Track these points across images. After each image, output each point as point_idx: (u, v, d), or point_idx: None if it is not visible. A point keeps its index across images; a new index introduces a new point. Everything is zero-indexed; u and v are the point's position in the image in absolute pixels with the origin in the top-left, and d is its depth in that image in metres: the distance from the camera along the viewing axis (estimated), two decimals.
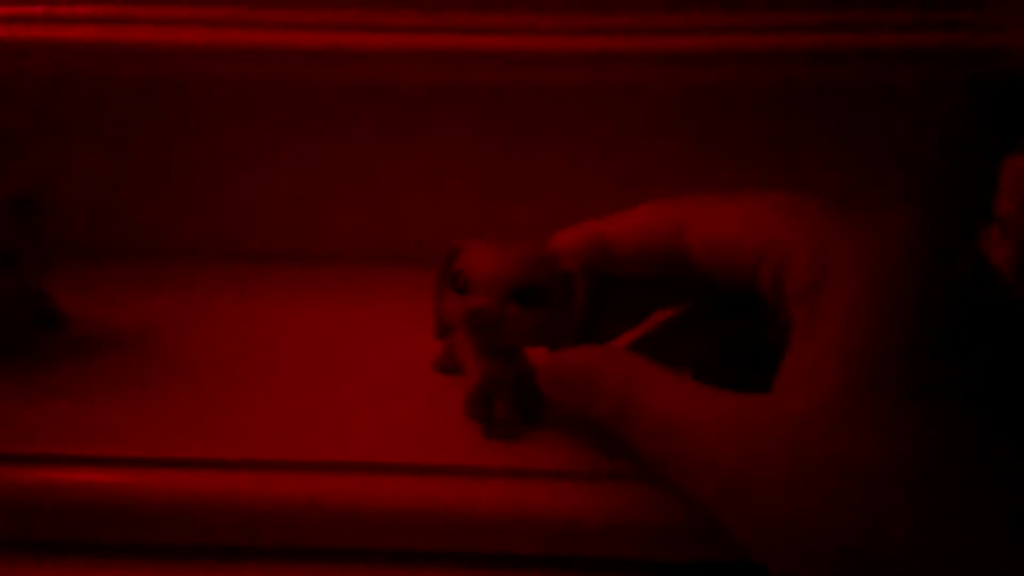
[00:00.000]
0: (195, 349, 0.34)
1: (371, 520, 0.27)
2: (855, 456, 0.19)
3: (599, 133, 0.38)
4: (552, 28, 0.36)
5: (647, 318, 0.29)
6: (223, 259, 0.41)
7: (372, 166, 0.39)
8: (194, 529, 0.27)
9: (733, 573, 0.26)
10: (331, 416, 0.30)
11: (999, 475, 0.18)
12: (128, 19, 0.35)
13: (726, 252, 0.24)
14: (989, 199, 0.35)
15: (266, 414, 0.30)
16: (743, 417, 0.20)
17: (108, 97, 0.37)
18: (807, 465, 0.19)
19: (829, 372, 0.20)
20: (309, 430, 0.29)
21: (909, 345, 0.19)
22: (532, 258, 0.26)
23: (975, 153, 0.36)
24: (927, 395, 0.19)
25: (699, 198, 0.25)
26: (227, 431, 0.29)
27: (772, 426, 0.20)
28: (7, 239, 0.30)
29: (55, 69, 0.36)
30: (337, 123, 0.38)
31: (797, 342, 0.21)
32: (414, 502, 0.27)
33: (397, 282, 0.36)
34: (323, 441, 0.28)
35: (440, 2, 0.36)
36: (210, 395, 0.31)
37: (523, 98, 0.37)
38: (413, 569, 0.27)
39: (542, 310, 0.26)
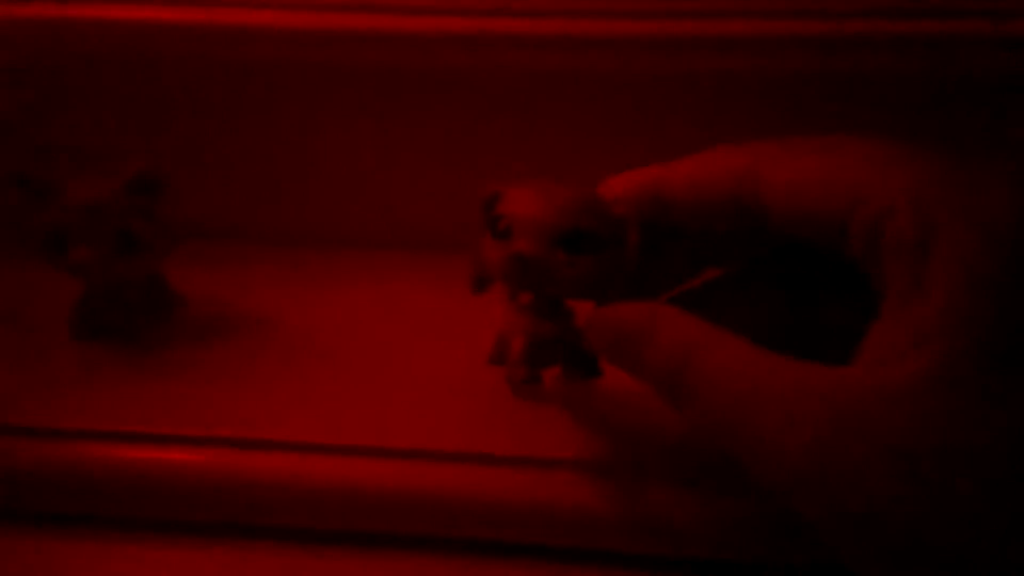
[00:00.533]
0: (304, 334, 0.34)
1: (465, 509, 0.26)
2: (967, 444, 0.16)
3: (630, 120, 0.37)
4: (583, 10, 0.35)
5: (698, 276, 0.26)
6: (336, 245, 0.41)
7: (483, 156, 0.39)
8: (300, 511, 0.27)
9: (745, 572, 0.25)
10: (428, 405, 0.29)
11: None
12: (258, 2, 0.36)
13: (811, 198, 0.20)
14: None
15: (368, 401, 0.30)
16: (830, 389, 0.18)
17: (228, 81, 0.37)
18: (908, 450, 0.17)
19: (939, 341, 0.17)
20: (406, 418, 0.29)
21: None
22: (581, 202, 0.24)
23: None
24: None
25: (777, 141, 0.22)
26: (330, 416, 0.29)
27: (867, 401, 0.17)
28: (134, 221, 0.30)
29: (176, 52, 0.36)
30: (456, 111, 0.38)
31: (894, 306, 0.18)
32: (505, 493, 0.26)
33: None
34: (421, 430, 0.28)
35: None
36: (317, 380, 0.31)
37: (575, 84, 0.36)
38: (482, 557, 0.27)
39: (591, 259, 0.23)
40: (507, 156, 0.38)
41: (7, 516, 0.28)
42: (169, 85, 0.38)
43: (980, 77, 0.34)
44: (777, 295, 0.25)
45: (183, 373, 0.31)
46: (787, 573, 0.26)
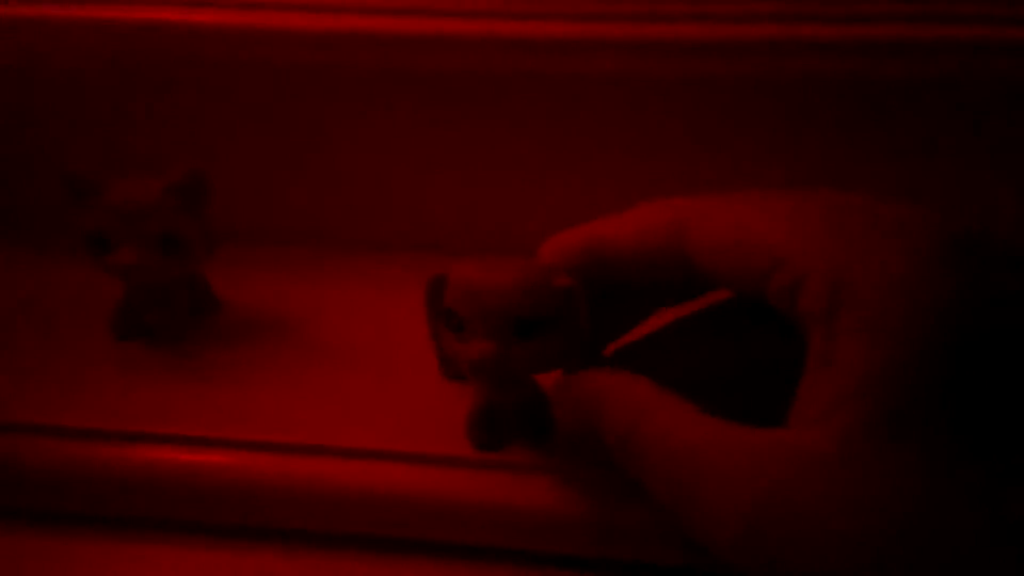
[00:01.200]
0: (341, 338, 0.34)
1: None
2: (878, 503, 0.17)
3: (637, 123, 0.37)
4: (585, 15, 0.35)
5: (649, 318, 0.27)
6: (378, 248, 0.40)
7: (513, 159, 0.39)
8: (329, 515, 0.27)
9: None
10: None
11: None
12: (292, 4, 0.36)
13: (731, 259, 0.21)
14: None
15: (401, 406, 0.29)
16: (758, 455, 0.19)
17: (266, 84, 0.37)
18: (827, 509, 0.18)
19: (847, 410, 0.18)
20: (434, 423, 0.28)
21: (937, 379, 0.18)
22: (527, 285, 0.23)
23: None
24: (958, 436, 0.17)
25: (701, 197, 0.23)
26: (363, 421, 0.29)
27: (790, 465, 0.18)
28: (178, 224, 0.30)
29: (210, 56, 0.36)
30: (489, 114, 0.37)
31: (813, 370, 0.19)
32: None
33: None
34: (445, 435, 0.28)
35: None
36: (350, 385, 0.31)
37: (593, 89, 0.36)
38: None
39: (546, 341, 0.24)
40: (537, 158, 0.38)
41: (41, 516, 0.28)
42: (202, 89, 0.38)
43: (983, 82, 0.34)
44: (726, 334, 0.26)
45: (221, 376, 0.31)
46: None
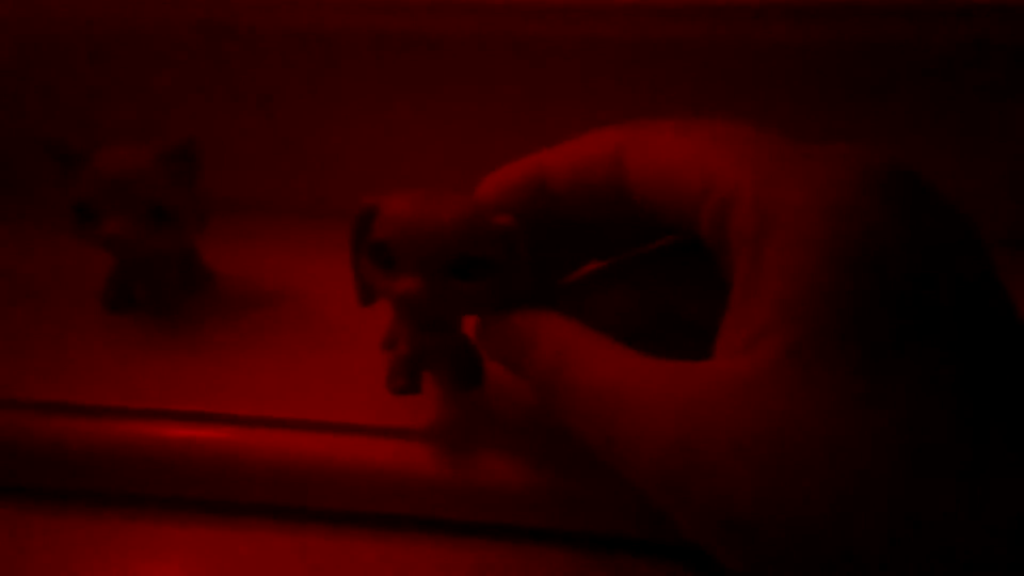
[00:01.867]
0: (333, 310, 0.33)
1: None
2: (806, 427, 0.16)
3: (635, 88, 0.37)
4: None
5: (581, 268, 0.26)
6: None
7: (510, 126, 0.38)
8: (321, 492, 0.27)
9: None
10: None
11: (963, 453, 0.16)
12: None
13: (665, 184, 0.20)
14: None
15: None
16: (684, 386, 0.18)
17: (257, 54, 0.37)
18: (752, 438, 0.17)
19: (774, 334, 0.17)
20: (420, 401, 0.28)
21: (863, 302, 0.17)
22: (464, 222, 0.22)
23: None
24: (885, 362, 0.17)
25: (643, 124, 0.22)
26: (357, 396, 0.28)
27: (715, 394, 0.17)
28: (168, 195, 0.29)
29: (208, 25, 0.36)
30: (484, 82, 0.37)
31: (739, 296, 0.19)
32: None
33: None
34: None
35: None
36: (346, 359, 0.30)
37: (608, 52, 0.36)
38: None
39: (483, 284, 0.22)
40: (530, 126, 0.38)
41: (32, 492, 0.28)
42: (196, 59, 0.37)
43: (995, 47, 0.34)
44: (653, 286, 0.25)
45: (213, 350, 0.31)
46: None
